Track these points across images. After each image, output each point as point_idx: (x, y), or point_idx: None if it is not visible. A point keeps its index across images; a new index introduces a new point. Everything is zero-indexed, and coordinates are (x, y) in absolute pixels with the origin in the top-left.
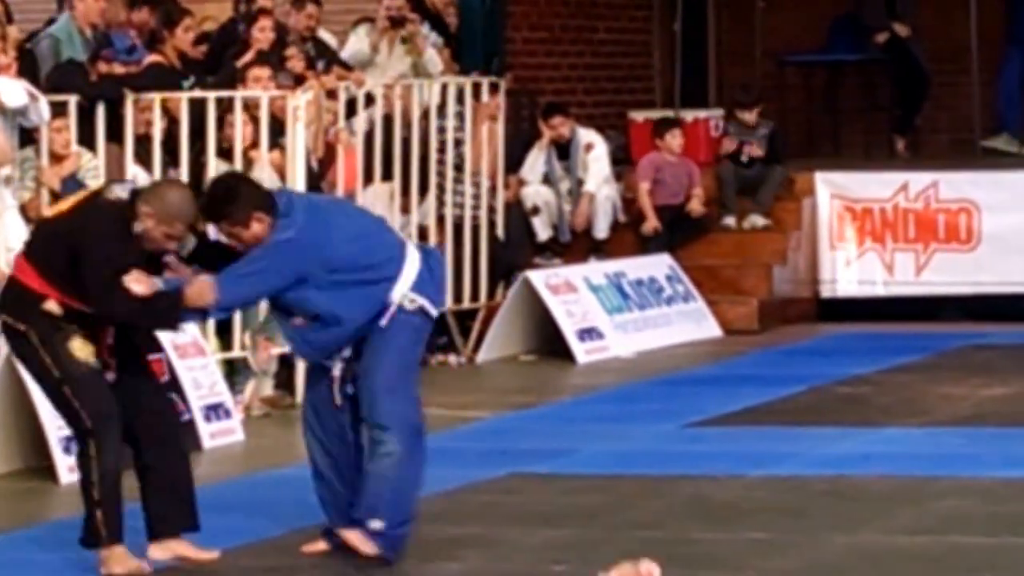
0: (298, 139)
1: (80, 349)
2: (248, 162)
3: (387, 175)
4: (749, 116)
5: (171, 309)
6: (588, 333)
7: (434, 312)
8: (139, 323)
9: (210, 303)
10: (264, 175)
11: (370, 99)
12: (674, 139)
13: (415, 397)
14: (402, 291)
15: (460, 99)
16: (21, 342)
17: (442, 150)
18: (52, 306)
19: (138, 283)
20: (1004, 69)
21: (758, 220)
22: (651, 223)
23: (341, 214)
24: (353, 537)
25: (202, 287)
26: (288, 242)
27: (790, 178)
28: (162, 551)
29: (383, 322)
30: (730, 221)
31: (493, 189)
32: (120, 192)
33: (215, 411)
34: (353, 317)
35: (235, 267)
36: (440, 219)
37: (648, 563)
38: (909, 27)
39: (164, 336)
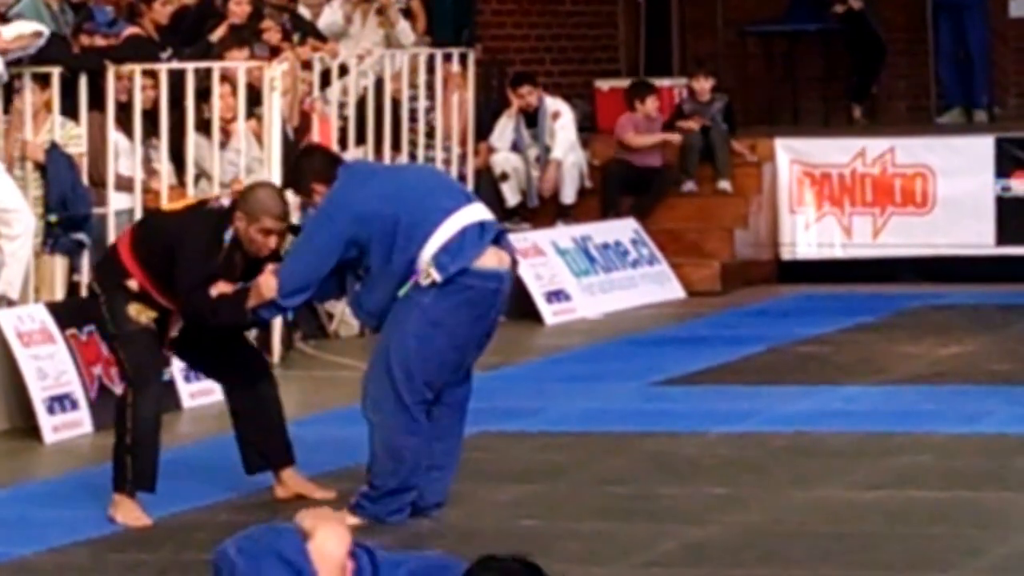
0: (274, 109)
1: (136, 311)
2: (226, 133)
3: (361, 144)
4: (702, 86)
5: (238, 306)
6: (556, 295)
7: (438, 277)
8: (211, 322)
9: (275, 291)
10: (242, 144)
11: (344, 70)
12: (652, 103)
13: (404, 375)
14: (427, 256)
15: (431, 69)
16: (95, 305)
17: (413, 119)
18: (133, 284)
19: (217, 290)
20: (939, 43)
21: (723, 184)
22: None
23: (385, 176)
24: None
25: (267, 278)
26: (321, 209)
27: (751, 145)
28: (283, 490)
29: (400, 293)
30: (692, 186)
31: (463, 156)
32: (223, 200)
33: (194, 372)
34: (380, 279)
35: (291, 249)
36: None
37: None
38: (863, 0)
39: None
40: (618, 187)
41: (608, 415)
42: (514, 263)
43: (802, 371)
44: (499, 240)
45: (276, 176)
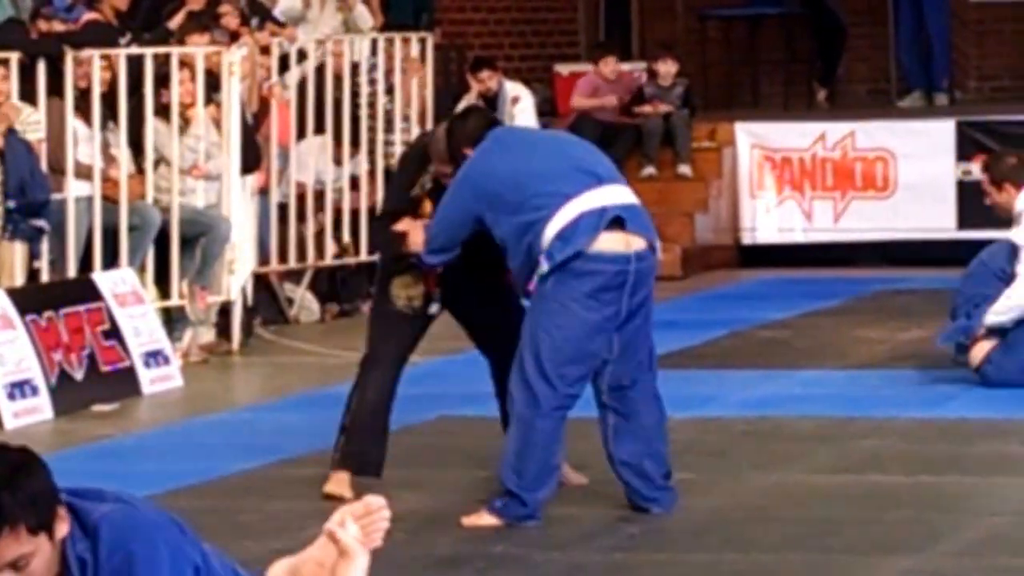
0: (233, 94)
1: (399, 287)
2: (185, 118)
3: (320, 128)
4: (668, 70)
5: (389, 245)
6: None
7: (545, 267)
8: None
9: (420, 246)
10: (201, 130)
11: (302, 55)
12: (608, 65)
13: (537, 372)
14: (545, 244)
15: (390, 54)
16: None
17: (372, 104)
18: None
19: (402, 225)
20: (899, 25)
21: (683, 169)
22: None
23: (520, 152)
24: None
25: (416, 231)
26: (456, 177)
27: (710, 128)
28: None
29: (531, 286)
30: (652, 170)
31: None
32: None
33: (154, 358)
34: (514, 256)
35: (439, 207)
36: (371, 171)
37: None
38: None
39: (104, 285)
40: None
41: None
42: (651, 246)
43: (763, 355)
44: (627, 224)
45: (234, 163)
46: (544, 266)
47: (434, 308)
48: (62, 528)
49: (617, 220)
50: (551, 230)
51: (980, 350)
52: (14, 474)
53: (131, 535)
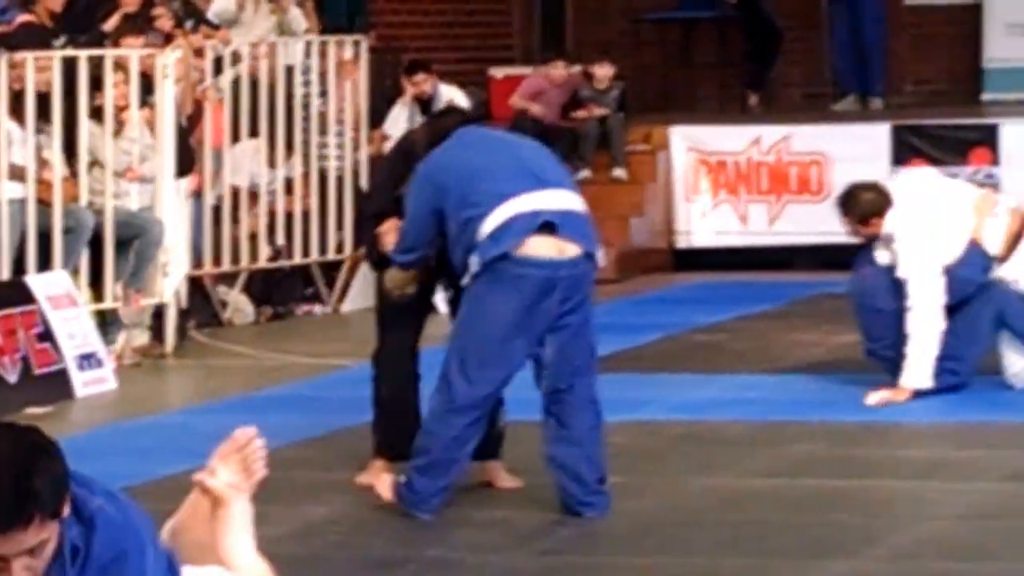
0: (167, 96)
1: (389, 281)
2: (119, 121)
3: (254, 131)
4: (605, 72)
5: (372, 246)
6: None
7: (475, 267)
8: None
9: (391, 247)
10: (135, 132)
11: (236, 57)
12: (556, 69)
13: (459, 369)
14: (482, 234)
15: (324, 56)
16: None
17: (307, 106)
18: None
19: (385, 226)
20: (834, 29)
21: (618, 172)
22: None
23: (476, 150)
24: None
25: (387, 232)
26: (418, 174)
27: (645, 132)
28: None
29: (463, 282)
30: (587, 173)
31: (357, 143)
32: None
33: (88, 360)
34: (454, 253)
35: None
36: (305, 173)
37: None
38: None
39: (38, 287)
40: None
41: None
42: (587, 254)
43: (698, 359)
44: (561, 229)
45: (168, 165)
46: (474, 265)
47: (438, 296)
48: (65, 511)
49: (550, 225)
50: (485, 228)
51: (884, 400)
52: (40, 457)
53: (125, 535)
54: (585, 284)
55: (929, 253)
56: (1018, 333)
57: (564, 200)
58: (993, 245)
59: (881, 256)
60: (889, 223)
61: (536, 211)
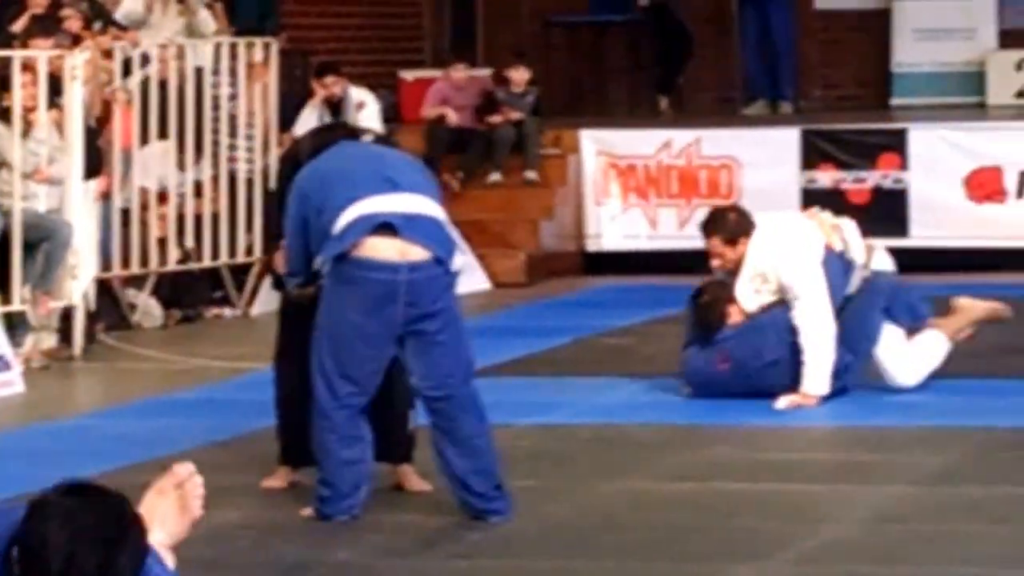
0: (76, 98)
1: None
2: (28, 122)
3: (163, 133)
4: (521, 76)
5: (270, 269)
6: None
7: (316, 265)
8: None
9: (281, 268)
10: (44, 134)
11: (145, 59)
12: (457, 72)
13: (318, 370)
14: (332, 234)
15: (234, 58)
16: None
17: (216, 108)
18: None
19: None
20: (744, 33)
21: (531, 175)
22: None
23: (348, 156)
24: None
25: (278, 253)
26: (292, 187)
27: (555, 135)
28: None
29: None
30: (498, 177)
31: (266, 146)
32: None
33: None
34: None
35: None
36: (215, 176)
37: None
38: None
39: None
40: (441, 148)
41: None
42: (437, 259)
43: (608, 363)
44: (402, 232)
45: (77, 167)
46: (317, 264)
47: None
48: None
49: (391, 227)
50: (334, 231)
51: (793, 403)
52: (127, 533)
53: None
54: (437, 290)
55: (809, 263)
56: (901, 320)
57: (415, 204)
58: (858, 254)
59: (744, 291)
60: (758, 251)
61: (377, 213)
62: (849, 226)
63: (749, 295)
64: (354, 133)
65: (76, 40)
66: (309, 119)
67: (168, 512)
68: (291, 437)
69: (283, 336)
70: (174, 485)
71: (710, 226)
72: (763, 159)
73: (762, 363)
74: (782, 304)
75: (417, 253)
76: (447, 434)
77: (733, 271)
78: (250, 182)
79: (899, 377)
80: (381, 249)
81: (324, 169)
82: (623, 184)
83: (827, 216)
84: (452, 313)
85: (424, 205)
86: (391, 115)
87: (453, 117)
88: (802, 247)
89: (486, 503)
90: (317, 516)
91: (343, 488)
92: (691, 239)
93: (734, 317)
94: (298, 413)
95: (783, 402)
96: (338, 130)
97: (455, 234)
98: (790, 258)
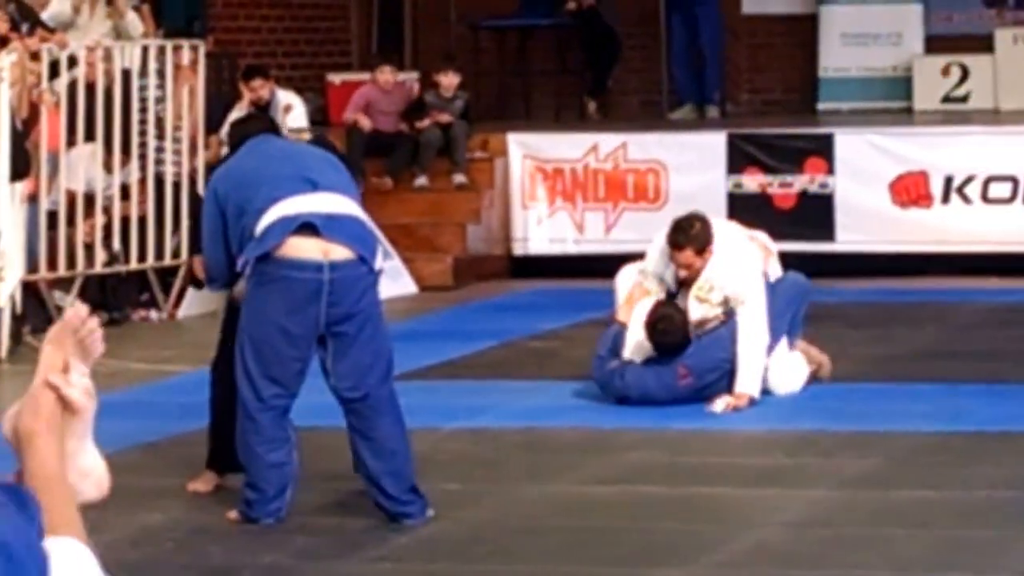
0: (2, 100)
1: (238, 290)
2: None
3: (90, 136)
4: (450, 81)
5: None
6: None
7: (238, 267)
8: None
9: (202, 274)
10: None
11: (73, 61)
12: (383, 74)
13: (243, 372)
14: (254, 235)
15: (161, 61)
16: None
17: (144, 111)
18: None
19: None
20: (672, 38)
21: (459, 178)
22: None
23: (267, 154)
24: None
25: (198, 260)
26: (207, 187)
27: (483, 139)
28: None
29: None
30: (424, 181)
31: (194, 149)
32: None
33: None
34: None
35: None
36: (143, 179)
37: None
38: None
39: None
40: (359, 152)
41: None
42: (361, 257)
43: (535, 366)
44: (323, 231)
45: (3, 169)
46: (239, 265)
47: None
48: None
49: (312, 227)
50: (256, 232)
51: (729, 405)
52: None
53: None
54: (359, 289)
55: (757, 273)
56: (793, 332)
57: (335, 204)
58: (774, 271)
59: (692, 300)
60: (716, 261)
61: (298, 213)
62: (764, 238)
63: (695, 304)
64: (274, 125)
65: (3, 42)
66: None
67: (71, 359)
68: (220, 443)
69: (225, 342)
70: (71, 332)
71: (682, 238)
72: (690, 163)
73: (722, 372)
74: (728, 315)
75: (340, 252)
76: (363, 435)
77: (693, 279)
78: (177, 185)
79: (778, 386)
80: (304, 248)
81: (242, 169)
82: (550, 188)
83: (764, 238)
84: (373, 313)
85: (344, 204)
86: (319, 118)
87: (366, 124)
88: (752, 258)
89: (398, 506)
90: (243, 519)
91: (269, 491)
92: (617, 243)
93: (719, 409)
94: (230, 419)
95: (719, 404)
96: (255, 122)
97: (379, 235)
98: (742, 267)
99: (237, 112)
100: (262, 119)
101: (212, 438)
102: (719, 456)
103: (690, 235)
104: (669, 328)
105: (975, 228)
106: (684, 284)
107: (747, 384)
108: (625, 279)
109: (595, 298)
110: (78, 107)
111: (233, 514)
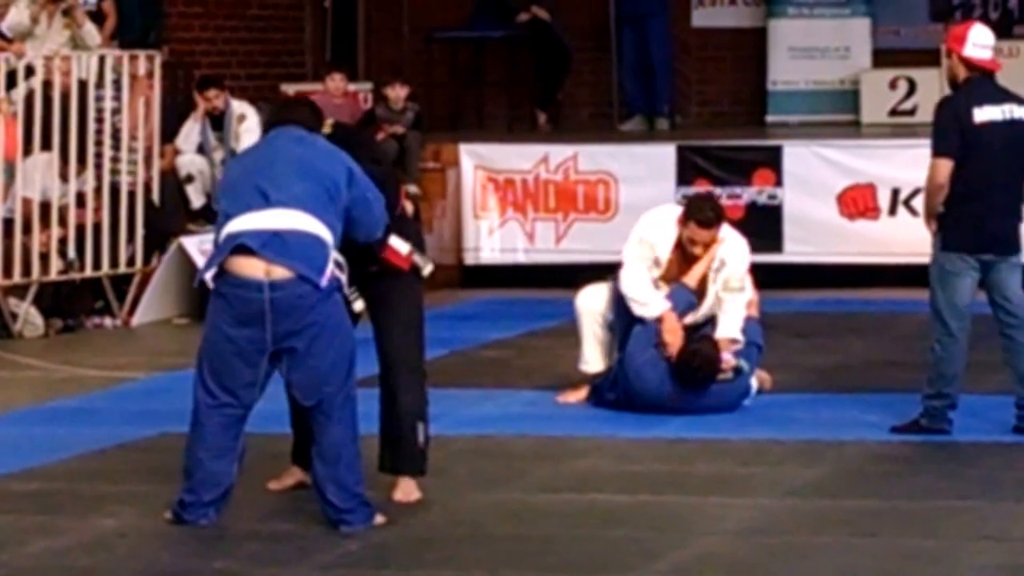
0: None
1: None
2: None
3: (47, 145)
4: (397, 94)
5: None
6: None
7: (195, 282)
8: None
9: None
10: None
11: (30, 70)
12: (333, 81)
13: (197, 377)
14: (220, 240)
15: (118, 71)
16: None
17: (100, 120)
18: None
19: None
20: (622, 50)
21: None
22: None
23: (258, 154)
24: None
25: None
26: None
27: (435, 149)
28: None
29: None
30: None
31: (149, 158)
32: None
33: None
34: None
35: None
36: (98, 187)
37: None
38: (548, 11)
39: None
40: None
41: (286, 417)
42: (301, 276)
43: (485, 375)
44: (262, 251)
45: None
46: (200, 277)
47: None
48: None
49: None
50: (219, 242)
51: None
52: None
53: None
54: (304, 307)
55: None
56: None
57: (284, 220)
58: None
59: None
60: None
61: (241, 231)
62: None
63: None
64: (311, 114)
65: None
66: (191, 132)
67: None
68: (302, 437)
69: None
70: None
71: (712, 216)
72: (640, 175)
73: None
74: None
75: (280, 272)
76: (314, 439)
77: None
78: (132, 194)
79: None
80: (246, 267)
81: (231, 174)
82: (501, 198)
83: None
84: (326, 325)
85: (295, 220)
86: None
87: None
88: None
89: (338, 513)
90: (175, 520)
91: (204, 497)
92: (568, 253)
93: (727, 365)
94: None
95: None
96: (286, 111)
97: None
98: (745, 250)
99: (192, 122)
100: (299, 108)
101: (295, 432)
102: (669, 464)
103: (718, 213)
104: (704, 366)
105: (922, 240)
106: (689, 262)
107: (729, 329)
108: (631, 277)
109: (546, 308)
110: (35, 116)
111: (168, 514)
